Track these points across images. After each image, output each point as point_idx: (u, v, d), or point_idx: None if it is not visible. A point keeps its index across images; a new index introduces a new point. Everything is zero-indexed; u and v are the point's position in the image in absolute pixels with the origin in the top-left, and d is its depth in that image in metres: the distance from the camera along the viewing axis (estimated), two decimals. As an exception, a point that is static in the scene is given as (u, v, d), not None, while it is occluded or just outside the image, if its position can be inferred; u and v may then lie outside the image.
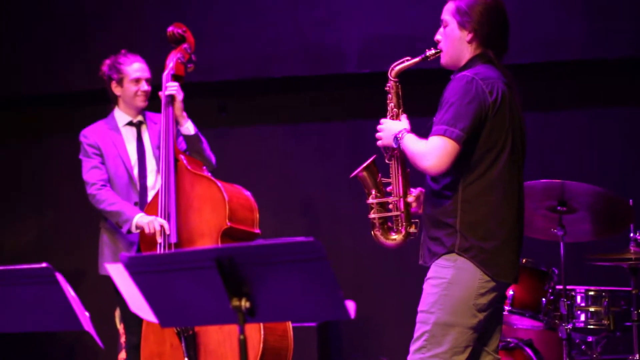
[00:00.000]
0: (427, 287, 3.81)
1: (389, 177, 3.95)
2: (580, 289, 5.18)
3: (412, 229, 3.94)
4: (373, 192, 3.98)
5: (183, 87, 5.36)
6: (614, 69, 6.61)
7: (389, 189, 3.96)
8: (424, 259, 3.87)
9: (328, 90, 7.02)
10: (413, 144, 3.75)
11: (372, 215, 3.97)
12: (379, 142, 3.92)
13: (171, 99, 5.22)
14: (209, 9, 6.78)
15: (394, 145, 3.84)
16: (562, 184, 4.96)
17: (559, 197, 5.05)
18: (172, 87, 5.24)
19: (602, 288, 5.19)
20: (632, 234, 5.05)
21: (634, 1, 6.39)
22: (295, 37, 6.75)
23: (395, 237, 3.95)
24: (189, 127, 5.26)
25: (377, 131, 3.92)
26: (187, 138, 5.28)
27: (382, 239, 3.97)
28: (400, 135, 3.81)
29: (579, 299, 5.16)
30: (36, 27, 6.97)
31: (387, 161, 3.95)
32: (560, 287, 5.07)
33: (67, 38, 6.94)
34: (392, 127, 3.87)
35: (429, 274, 3.81)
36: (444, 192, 3.75)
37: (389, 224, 3.98)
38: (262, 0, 6.81)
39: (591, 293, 5.17)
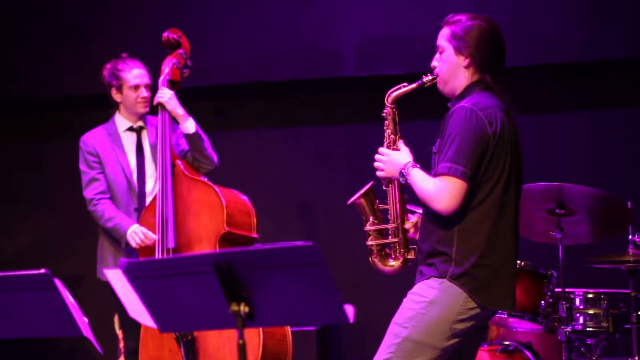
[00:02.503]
0: (407, 301, 3.79)
1: (386, 203, 3.95)
2: (579, 291, 5.17)
3: (410, 255, 3.92)
4: (370, 219, 3.97)
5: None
6: (612, 71, 6.61)
7: (387, 214, 3.96)
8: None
9: (325, 93, 7.02)
10: (421, 183, 3.73)
11: (369, 242, 3.96)
12: (380, 174, 3.89)
13: (161, 106, 5.23)
14: (206, 12, 6.78)
15: (401, 181, 3.82)
16: (561, 186, 4.96)
17: (557, 199, 5.05)
18: (159, 96, 5.23)
19: (601, 290, 5.18)
20: (630, 236, 5.05)
21: (632, 3, 6.39)
22: (292, 41, 6.75)
23: (393, 264, 3.95)
24: (188, 126, 5.25)
25: (376, 160, 3.89)
26: (187, 137, 5.27)
27: (379, 265, 3.96)
28: (406, 171, 3.79)
29: (577, 301, 5.15)
30: (35, 31, 6.96)
31: (384, 188, 3.94)
32: (559, 289, 5.07)
33: (66, 42, 6.94)
34: (396, 161, 3.84)
35: (414, 288, 3.80)
36: (440, 220, 3.73)
37: (387, 250, 3.97)
38: (260, 4, 6.81)
39: (590, 295, 5.16)
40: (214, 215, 5.06)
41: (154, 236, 5.09)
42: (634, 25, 6.40)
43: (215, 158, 5.34)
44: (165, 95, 5.23)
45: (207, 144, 5.32)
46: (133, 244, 5.10)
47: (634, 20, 6.39)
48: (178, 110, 5.24)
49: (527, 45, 6.37)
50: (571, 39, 6.44)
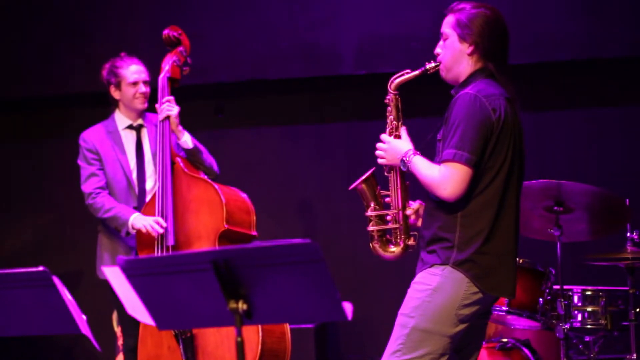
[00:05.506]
0: (411, 291, 3.80)
1: (388, 190, 3.95)
2: (577, 288, 5.18)
3: (411, 242, 3.93)
4: (372, 205, 3.98)
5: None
6: (611, 69, 6.61)
7: (387, 200, 3.96)
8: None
9: (324, 91, 7.02)
10: (425, 170, 3.74)
11: (370, 228, 3.97)
12: (382, 161, 3.90)
13: (166, 117, 5.24)
14: (205, 10, 6.78)
15: (402, 168, 3.83)
16: (559, 184, 4.96)
17: (555, 197, 5.05)
18: (167, 109, 5.23)
19: (599, 288, 5.19)
20: (628, 234, 5.06)
21: (632, 1, 6.39)
22: (291, 39, 6.75)
23: (394, 250, 3.95)
24: (186, 141, 5.25)
25: (377, 148, 3.89)
26: (186, 151, 5.27)
27: (380, 251, 3.97)
28: (407, 159, 3.80)
29: (576, 298, 5.16)
30: (35, 29, 6.96)
31: (386, 174, 3.94)
32: (558, 287, 5.07)
33: (65, 40, 6.94)
34: (397, 148, 3.85)
35: (416, 278, 3.81)
36: (443, 206, 3.74)
37: (388, 236, 3.97)
38: (259, 2, 6.81)
39: (588, 293, 5.17)
40: (214, 212, 5.07)
41: (164, 224, 5.07)
42: (634, 23, 6.40)
43: (215, 167, 5.34)
44: (174, 110, 5.23)
45: (206, 156, 5.31)
46: (139, 225, 5.07)
47: (634, 17, 6.39)
48: (179, 127, 5.25)
49: (527, 43, 6.37)
50: (571, 36, 6.44)
